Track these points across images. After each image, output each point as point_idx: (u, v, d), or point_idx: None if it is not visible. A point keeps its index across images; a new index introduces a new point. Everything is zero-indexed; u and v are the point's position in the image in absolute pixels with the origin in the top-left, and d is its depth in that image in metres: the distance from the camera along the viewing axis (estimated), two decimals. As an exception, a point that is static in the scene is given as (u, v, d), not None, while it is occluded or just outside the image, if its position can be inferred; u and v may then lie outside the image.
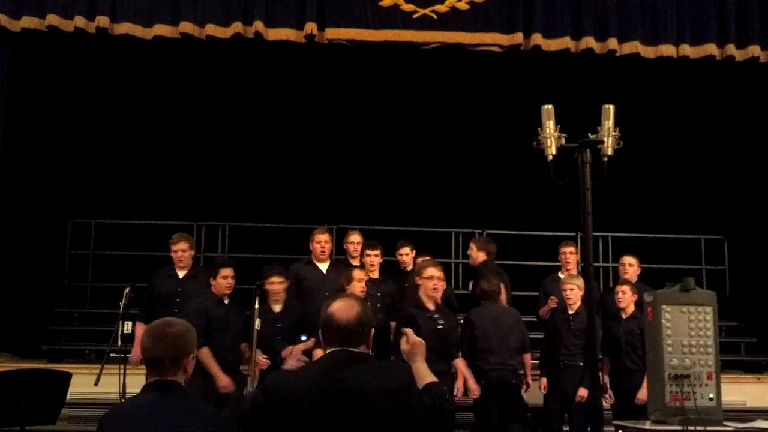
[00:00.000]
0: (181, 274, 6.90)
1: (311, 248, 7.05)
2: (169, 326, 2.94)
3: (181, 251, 6.87)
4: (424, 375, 3.18)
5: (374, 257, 6.98)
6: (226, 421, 2.90)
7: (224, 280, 6.42)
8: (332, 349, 3.00)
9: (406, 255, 7.23)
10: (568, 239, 7.80)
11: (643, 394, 6.00)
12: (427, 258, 6.91)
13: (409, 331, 3.31)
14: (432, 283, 6.14)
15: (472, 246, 7.29)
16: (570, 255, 7.28)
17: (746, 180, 9.99)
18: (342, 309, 3.01)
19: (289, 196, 9.92)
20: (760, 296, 9.56)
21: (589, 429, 6.22)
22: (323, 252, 6.97)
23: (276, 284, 6.44)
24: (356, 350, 2.98)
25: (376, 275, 6.95)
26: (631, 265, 7.30)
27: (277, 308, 6.47)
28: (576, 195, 4.83)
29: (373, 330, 3.09)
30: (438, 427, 3.05)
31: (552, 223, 9.29)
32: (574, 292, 6.59)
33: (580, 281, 6.51)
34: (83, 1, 8.08)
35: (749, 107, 9.81)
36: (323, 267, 7.01)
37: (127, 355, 6.33)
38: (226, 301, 6.49)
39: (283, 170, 9.99)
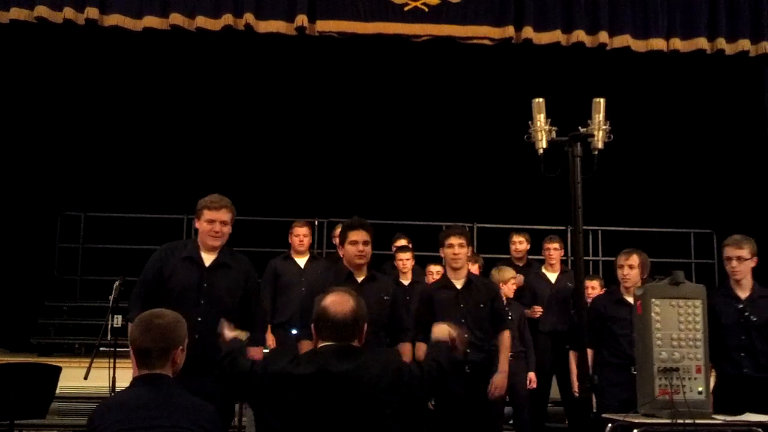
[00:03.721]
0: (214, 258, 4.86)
1: (290, 241, 7.02)
2: (158, 317, 2.93)
3: (221, 223, 4.82)
4: (438, 335, 3.39)
5: None
6: (215, 416, 2.89)
7: (353, 246, 4.84)
8: (326, 344, 2.99)
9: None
10: (554, 234, 7.81)
11: None
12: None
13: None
14: None
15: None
16: (554, 251, 7.26)
17: (735, 174, 10.02)
18: (336, 303, 3.00)
19: (281, 189, 9.89)
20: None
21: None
22: (301, 244, 6.92)
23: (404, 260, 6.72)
24: (349, 345, 2.98)
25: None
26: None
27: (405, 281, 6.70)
28: (566, 189, 4.83)
29: (366, 324, 3.08)
30: (431, 393, 3.15)
31: (542, 217, 9.29)
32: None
33: (511, 272, 6.68)
34: (72, -7, 8.03)
35: (739, 101, 9.83)
36: (301, 261, 6.93)
37: (117, 349, 5.55)
38: (359, 279, 4.87)
39: (274, 163, 9.96)
